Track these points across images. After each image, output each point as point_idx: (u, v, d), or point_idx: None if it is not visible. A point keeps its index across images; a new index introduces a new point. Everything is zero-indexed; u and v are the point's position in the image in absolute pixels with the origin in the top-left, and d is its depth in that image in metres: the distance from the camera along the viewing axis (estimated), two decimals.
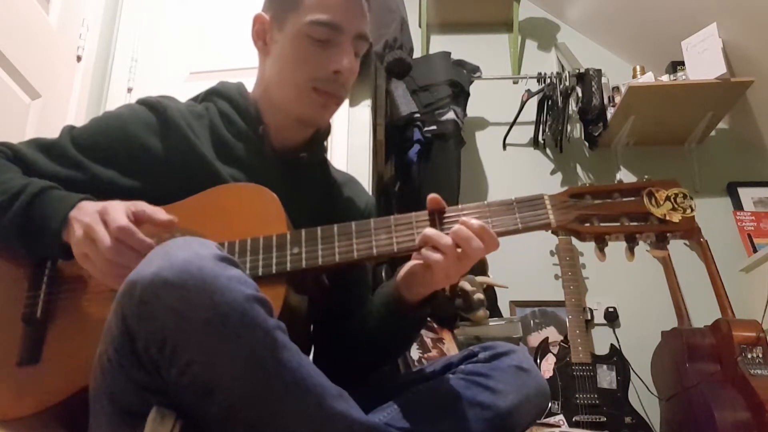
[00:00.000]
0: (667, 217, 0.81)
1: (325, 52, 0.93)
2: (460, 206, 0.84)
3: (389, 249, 0.82)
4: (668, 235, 0.82)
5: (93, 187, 0.90)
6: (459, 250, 0.78)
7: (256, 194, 0.89)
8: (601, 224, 0.83)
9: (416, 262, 0.85)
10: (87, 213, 0.79)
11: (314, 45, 0.93)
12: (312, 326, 1.06)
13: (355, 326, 0.98)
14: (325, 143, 1.08)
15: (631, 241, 0.83)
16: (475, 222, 0.79)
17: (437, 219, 0.83)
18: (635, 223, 0.82)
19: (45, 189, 0.85)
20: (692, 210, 0.82)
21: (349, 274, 1.01)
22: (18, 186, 0.85)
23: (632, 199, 0.83)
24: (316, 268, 0.82)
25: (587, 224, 0.82)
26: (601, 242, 0.83)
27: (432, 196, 0.83)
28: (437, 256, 0.78)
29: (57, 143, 0.94)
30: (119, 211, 0.77)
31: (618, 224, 0.82)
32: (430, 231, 0.80)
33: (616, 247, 0.86)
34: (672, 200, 0.82)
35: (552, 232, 0.86)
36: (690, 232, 0.82)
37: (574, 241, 0.90)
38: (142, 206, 0.79)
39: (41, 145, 0.95)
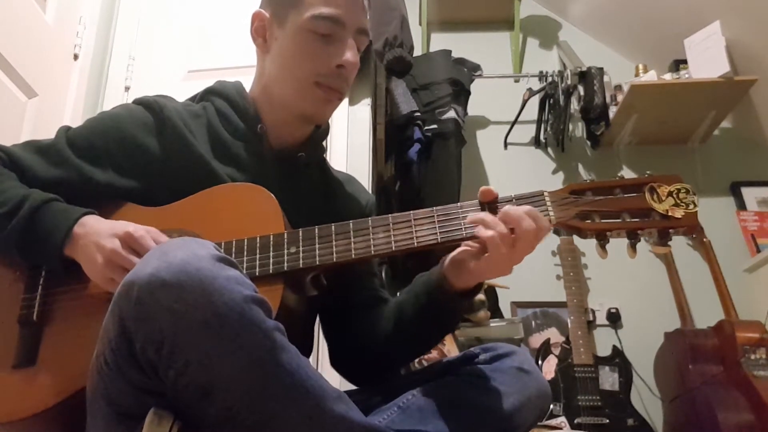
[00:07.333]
0: (670, 213, 0.80)
1: (327, 47, 0.93)
2: (459, 204, 0.83)
3: (387, 248, 0.81)
4: (671, 231, 0.81)
5: (90, 189, 0.90)
6: (512, 231, 0.77)
7: (253, 194, 0.88)
8: (602, 221, 0.81)
9: (464, 249, 0.84)
10: (102, 234, 0.79)
11: (317, 40, 0.93)
12: (324, 326, 1.05)
13: (382, 320, 0.96)
14: (323, 143, 1.08)
15: (633, 238, 0.82)
16: (522, 207, 0.79)
17: (487, 209, 0.82)
18: (637, 220, 0.81)
19: (47, 201, 0.85)
20: (695, 205, 0.80)
21: (354, 269, 1.00)
22: (18, 197, 0.84)
23: (634, 195, 0.82)
24: (313, 268, 0.82)
25: (588, 221, 0.81)
26: (602, 239, 0.82)
27: (484, 188, 0.83)
28: (490, 232, 0.77)
29: (53, 145, 0.93)
30: (147, 239, 0.79)
31: (619, 220, 0.81)
32: (481, 213, 0.80)
33: (619, 248, 0.85)
34: (674, 196, 0.81)
35: (553, 231, 0.84)
36: (693, 227, 0.81)
37: (576, 241, 0.89)
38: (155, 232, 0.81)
39: (37, 148, 0.94)
